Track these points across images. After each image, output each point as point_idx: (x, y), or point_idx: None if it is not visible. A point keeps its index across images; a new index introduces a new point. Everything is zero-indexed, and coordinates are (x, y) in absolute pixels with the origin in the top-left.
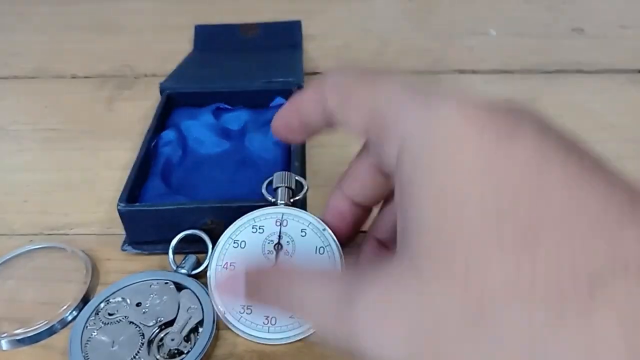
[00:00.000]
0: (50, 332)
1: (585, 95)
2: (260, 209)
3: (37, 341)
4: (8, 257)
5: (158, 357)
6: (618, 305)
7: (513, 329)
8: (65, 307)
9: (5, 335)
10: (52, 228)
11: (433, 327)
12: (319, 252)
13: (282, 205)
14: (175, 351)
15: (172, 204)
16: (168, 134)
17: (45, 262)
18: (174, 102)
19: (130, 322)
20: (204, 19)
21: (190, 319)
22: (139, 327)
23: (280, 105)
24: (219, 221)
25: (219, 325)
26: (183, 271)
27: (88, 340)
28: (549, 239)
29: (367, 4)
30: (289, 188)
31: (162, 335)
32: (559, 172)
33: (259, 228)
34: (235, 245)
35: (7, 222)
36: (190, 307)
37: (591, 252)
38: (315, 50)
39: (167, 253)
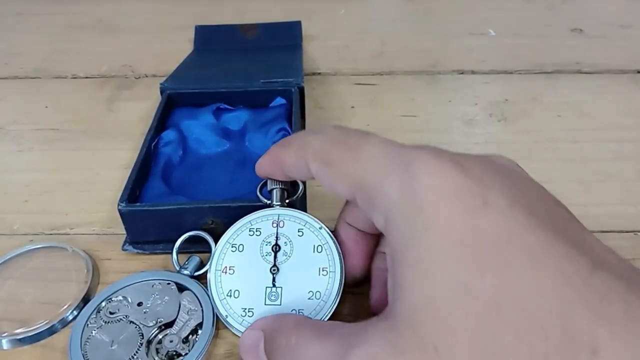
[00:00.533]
0: (51, 331)
1: (584, 96)
2: (256, 212)
3: (37, 341)
4: (8, 257)
5: (156, 358)
6: None
7: None
8: (65, 306)
9: (5, 334)
10: (52, 228)
11: None
12: (317, 250)
13: (278, 207)
14: (174, 353)
15: (172, 204)
16: (168, 134)
17: (46, 261)
18: (175, 102)
19: (131, 322)
20: (204, 19)
21: (190, 321)
22: (139, 327)
23: (281, 105)
24: (219, 221)
25: (219, 324)
26: (186, 272)
27: (88, 339)
28: (509, 319)
29: (367, 4)
30: (284, 189)
31: (161, 336)
32: (522, 245)
33: (256, 230)
34: (234, 249)
35: (7, 222)
36: (190, 309)
37: (547, 334)
38: (315, 50)
39: (168, 253)
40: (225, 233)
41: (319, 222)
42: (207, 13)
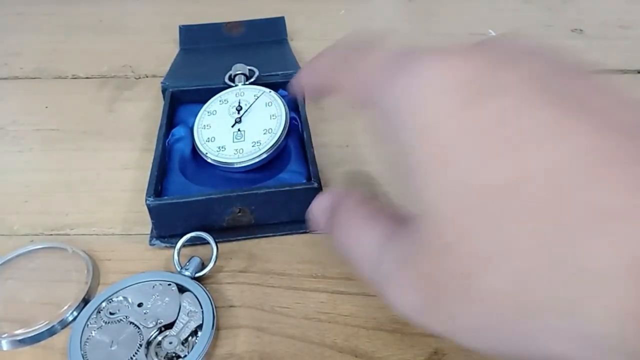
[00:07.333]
0: (51, 332)
1: None
2: (225, 90)
3: (37, 341)
4: (8, 258)
5: (155, 359)
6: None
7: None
8: (65, 307)
9: (5, 335)
10: (52, 228)
11: (433, 288)
12: (268, 105)
13: (240, 85)
14: (173, 354)
15: (200, 194)
16: (179, 130)
17: (46, 262)
18: (177, 99)
19: (131, 323)
20: (204, 19)
21: (189, 322)
22: (139, 328)
23: (283, 97)
24: (247, 209)
25: (219, 325)
26: (187, 273)
27: (87, 339)
28: (519, 202)
29: (367, 4)
30: (244, 75)
31: (160, 338)
32: (530, 126)
33: (224, 100)
34: (209, 113)
35: (7, 222)
36: (190, 311)
37: (560, 209)
38: (316, 51)
39: (195, 244)
40: (203, 107)
41: (271, 89)
42: (207, 13)
